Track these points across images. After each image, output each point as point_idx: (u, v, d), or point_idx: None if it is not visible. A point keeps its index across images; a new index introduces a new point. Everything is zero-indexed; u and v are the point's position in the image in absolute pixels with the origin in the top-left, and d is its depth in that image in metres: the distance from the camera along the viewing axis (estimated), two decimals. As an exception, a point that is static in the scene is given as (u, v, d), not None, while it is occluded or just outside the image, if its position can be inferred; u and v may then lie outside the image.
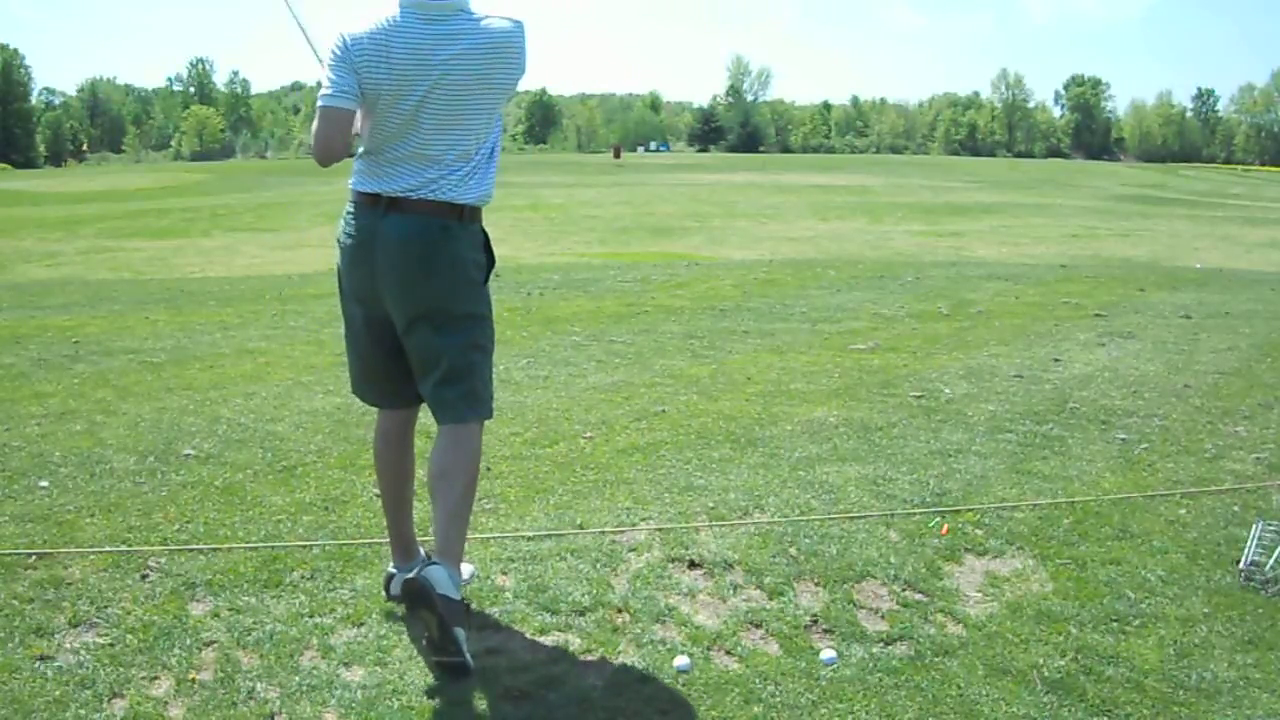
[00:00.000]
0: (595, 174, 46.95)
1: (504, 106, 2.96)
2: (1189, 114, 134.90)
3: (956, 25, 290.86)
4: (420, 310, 2.86)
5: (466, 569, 3.17)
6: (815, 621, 3.03)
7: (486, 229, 2.96)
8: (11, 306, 9.55)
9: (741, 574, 3.31)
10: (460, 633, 2.68)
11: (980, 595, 3.24)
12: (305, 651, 2.79)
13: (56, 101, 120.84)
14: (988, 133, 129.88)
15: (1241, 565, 3.44)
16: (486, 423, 3.00)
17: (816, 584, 3.26)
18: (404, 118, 2.79)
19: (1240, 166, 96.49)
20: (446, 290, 2.85)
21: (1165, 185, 47.21)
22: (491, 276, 2.97)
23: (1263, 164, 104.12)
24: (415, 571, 2.76)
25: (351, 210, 2.92)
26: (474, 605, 3.06)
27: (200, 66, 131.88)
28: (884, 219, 23.15)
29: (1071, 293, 10.49)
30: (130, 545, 3.43)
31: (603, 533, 3.59)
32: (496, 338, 3.07)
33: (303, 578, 3.22)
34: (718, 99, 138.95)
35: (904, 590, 3.24)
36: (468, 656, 2.69)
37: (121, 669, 2.68)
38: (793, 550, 3.48)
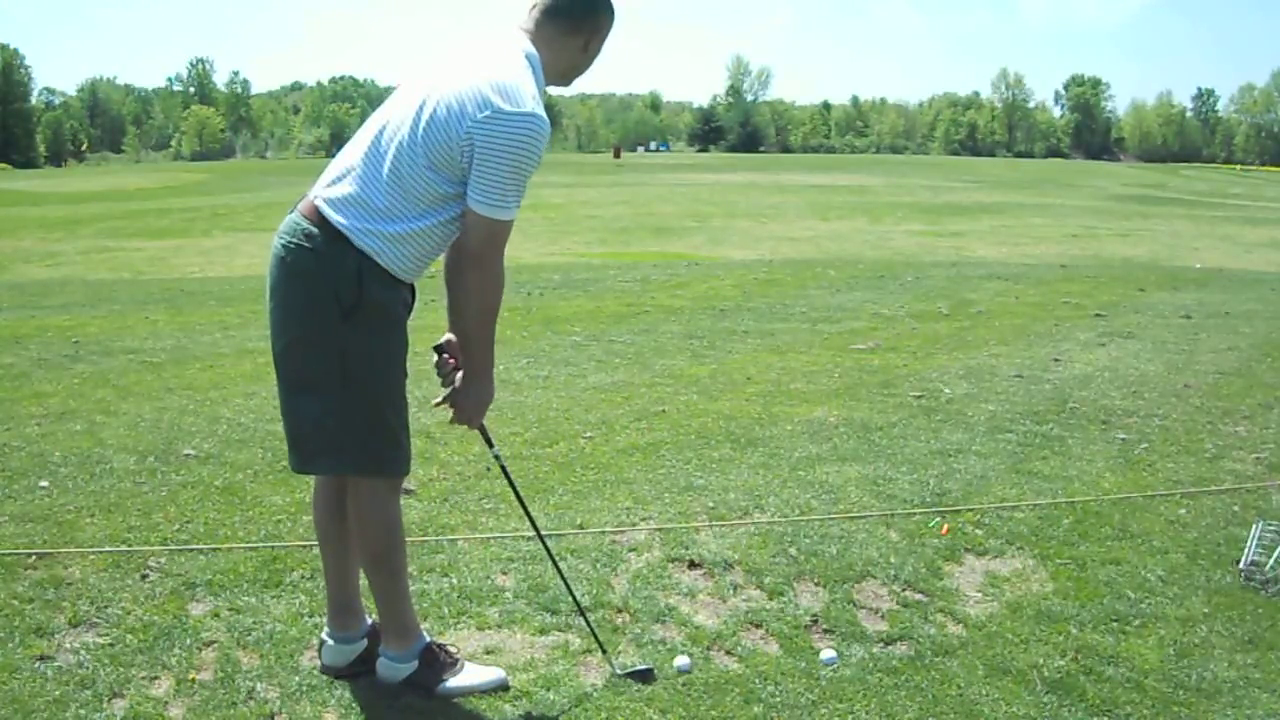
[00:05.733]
0: (595, 174, 46.89)
1: (444, 173, 2.42)
2: (1189, 114, 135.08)
3: (956, 25, 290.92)
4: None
5: (488, 676, 2.66)
6: (815, 621, 3.03)
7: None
8: (11, 306, 9.54)
9: (741, 574, 3.31)
10: (446, 685, 2.60)
11: (980, 595, 3.24)
12: (305, 651, 2.79)
13: (56, 101, 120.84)
14: (988, 133, 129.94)
15: (1241, 565, 3.44)
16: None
17: (816, 584, 3.26)
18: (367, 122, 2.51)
19: (1240, 166, 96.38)
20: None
21: (1165, 185, 47.16)
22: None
23: (1263, 164, 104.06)
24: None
25: None
26: (474, 605, 3.06)
27: (200, 66, 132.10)
28: (884, 219, 23.13)
29: (1071, 293, 10.49)
30: (130, 545, 3.43)
31: (603, 533, 3.59)
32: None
33: (303, 578, 3.21)
34: (718, 99, 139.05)
35: (904, 590, 3.24)
36: (468, 689, 2.61)
37: (121, 669, 2.68)
38: (793, 550, 3.48)
